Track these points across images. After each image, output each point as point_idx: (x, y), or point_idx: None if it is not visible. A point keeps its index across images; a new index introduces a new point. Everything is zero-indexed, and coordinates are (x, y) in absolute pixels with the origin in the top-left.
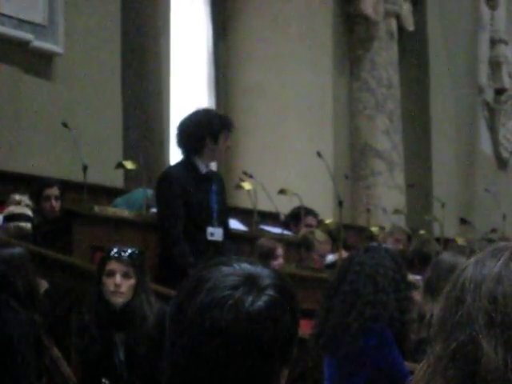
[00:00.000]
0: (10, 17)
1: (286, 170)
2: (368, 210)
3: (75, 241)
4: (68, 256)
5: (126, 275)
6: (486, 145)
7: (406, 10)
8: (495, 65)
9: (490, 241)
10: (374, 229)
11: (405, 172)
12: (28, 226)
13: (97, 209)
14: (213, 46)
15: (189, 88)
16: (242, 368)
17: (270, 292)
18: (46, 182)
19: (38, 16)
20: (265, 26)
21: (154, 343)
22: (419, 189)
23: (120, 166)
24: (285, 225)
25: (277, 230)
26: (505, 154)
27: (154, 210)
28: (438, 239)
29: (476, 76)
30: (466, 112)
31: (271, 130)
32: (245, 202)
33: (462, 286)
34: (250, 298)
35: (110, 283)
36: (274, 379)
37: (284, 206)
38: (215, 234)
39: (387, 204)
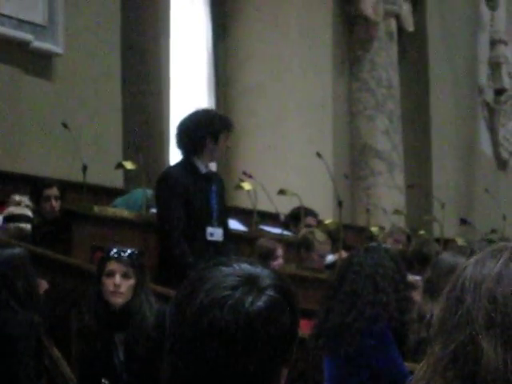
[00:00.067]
0: (10, 17)
1: (286, 170)
2: (368, 211)
3: (75, 241)
4: (68, 256)
5: (125, 275)
6: (485, 145)
7: (406, 10)
8: (495, 65)
9: (490, 241)
10: (374, 229)
11: (405, 172)
12: (28, 226)
13: (96, 209)
14: (212, 46)
15: (188, 88)
16: (241, 368)
17: (270, 292)
18: (45, 183)
19: (38, 16)
20: (265, 27)
21: (153, 343)
22: (419, 189)
23: (120, 166)
24: (285, 225)
25: (277, 231)
26: (504, 155)
27: (153, 210)
28: (437, 239)
29: (476, 76)
30: (466, 112)
31: (271, 131)
32: (244, 203)
33: (461, 286)
34: (249, 299)
35: (109, 283)
36: (274, 379)
37: (284, 207)
38: (215, 234)
39: (387, 204)
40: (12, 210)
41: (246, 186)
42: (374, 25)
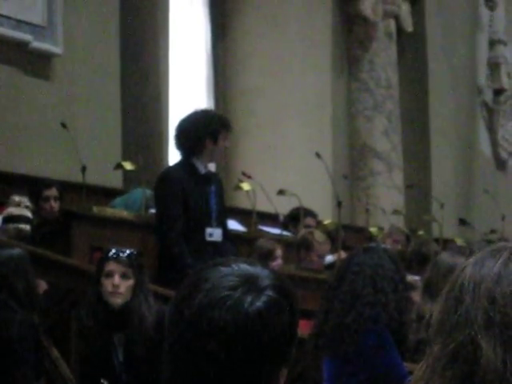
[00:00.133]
0: (9, 17)
1: (285, 170)
2: (367, 211)
3: (74, 241)
4: (67, 257)
5: (124, 276)
6: (484, 145)
7: (405, 10)
8: (494, 65)
9: (489, 242)
10: (373, 229)
11: (404, 172)
12: (27, 227)
13: (96, 209)
14: (211, 46)
15: (187, 89)
16: (241, 368)
17: (269, 292)
18: (44, 183)
19: (37, 17)
20: (264, 27)
21: (152, 344)
22: (418, 189)
23: (119, 166)
24: (284, 225)
25: (276, 231)
26: (503, 155)
27: (152, 210)
28: (436, 240)
29: (475, 77)
30: (465, 113)
31: (270, 131)
32: (244, 203)
33: (460, 287)
34: (248, 299)
35: (108, 284)
36: (273, 379)
37: (283, 207)
38: (214, 234)
39: (386, 204)
40: (12, 210)
41: (245, 186)
42: (373, 25)
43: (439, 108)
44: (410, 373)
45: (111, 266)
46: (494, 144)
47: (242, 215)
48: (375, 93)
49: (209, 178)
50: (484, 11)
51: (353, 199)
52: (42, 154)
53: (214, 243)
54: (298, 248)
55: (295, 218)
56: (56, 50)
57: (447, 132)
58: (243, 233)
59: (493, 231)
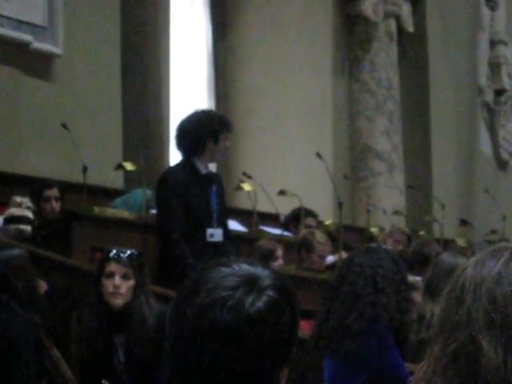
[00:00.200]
0: (10, 18)
1: (286, 170)
2: (368, 211)
3: (75, 242)
4: (68, 257)
5: (125, 276)
6: (485, 146)
7: (406, 10)
8: (495, 66)
9: (490, 242)
10: (374, 230)
11: (405, 173)
12: (28, 228)
13: (97, 210)
14: (212, 46)
15: (188, 89)
16: (241, 368)
17: (270, 293)
18: (45, 184)
19: (38, 17)
20: (264, 27)
21: (153, 344)
22: (419, 190)
23: (120, 167)
24: (285, 226)
25: (277, 231)
26: (504, 155)
27: (153, 211)
28: (437, 240)
29: (476, 77)
30: (466, 113)
31: (271, 131)
32: (244, 203)
33: (461, 287)
34: (249, 299)
35: (109, 284)
36: (274, 379)
37: (284, 207)
38: (215, 235)
39: (387, 205)
40: (13, 211)
41: (246, 186)
42: (373, 25)
43: (440, 108)
44: (411, 373)
45: (112, 267)
46: (495, 144)
47: (243, 215)
48: (376, 93)
49: (210, 178)
50: (485, 11)
51: (354, 199)
52: (43, 154)
53: (214, 243)
54: (299, 248)
55: (296, 218)
56: (57, 50)
57: (448, 132)
58: (244, 233)
59: (494, 231)
